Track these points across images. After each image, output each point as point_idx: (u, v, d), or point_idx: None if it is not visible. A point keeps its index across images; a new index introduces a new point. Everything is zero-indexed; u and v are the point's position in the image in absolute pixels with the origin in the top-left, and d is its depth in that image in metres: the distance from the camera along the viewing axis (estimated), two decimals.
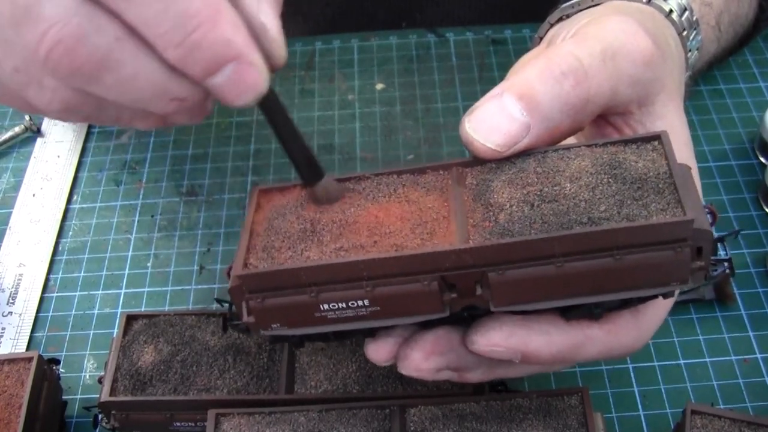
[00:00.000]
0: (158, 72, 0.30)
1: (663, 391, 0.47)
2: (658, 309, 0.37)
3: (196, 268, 0.55)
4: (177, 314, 0.46)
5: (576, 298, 0.33)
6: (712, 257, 0.33)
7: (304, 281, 0.33)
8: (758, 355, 0.48)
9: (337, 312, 0.34)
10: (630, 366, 0.48)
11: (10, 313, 0.53)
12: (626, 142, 0.35)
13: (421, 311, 0.34)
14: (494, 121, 0.34)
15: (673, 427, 0.43)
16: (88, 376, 0.50)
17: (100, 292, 0.54)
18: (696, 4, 0.46)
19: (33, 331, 0.52)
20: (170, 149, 0.62)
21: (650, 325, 0.37)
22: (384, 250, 0.33)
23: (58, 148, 0.63)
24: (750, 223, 0.54)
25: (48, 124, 0.64)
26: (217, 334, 0.45)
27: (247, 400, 0.42)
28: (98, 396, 0.43)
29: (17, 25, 0.29)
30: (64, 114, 0.33)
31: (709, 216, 0.32)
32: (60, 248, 0.57)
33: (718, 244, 0.33)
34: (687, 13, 0.44)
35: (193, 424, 0.44)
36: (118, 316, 0.52)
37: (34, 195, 0.60)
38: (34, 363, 0.44)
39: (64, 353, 0.51)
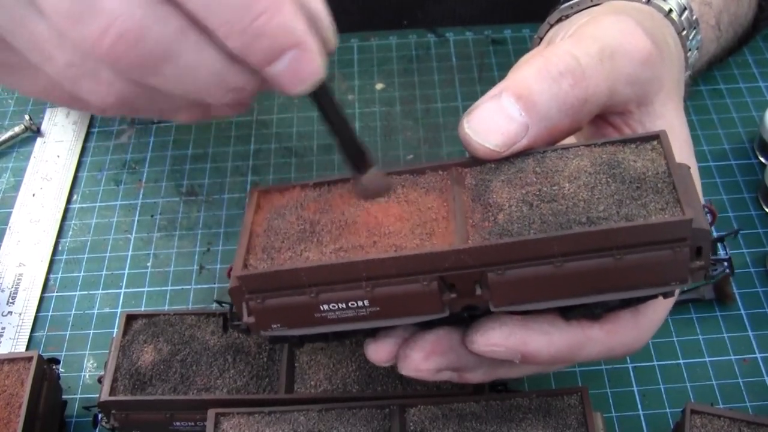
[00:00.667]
0: (218, 61, 0.30)
1: (662, 390, 0.47)
2: (658, 309, 0.37)
3: (195, 267, 0.55)
4: (177, 314, 0.46)
5: (576, 298, 0.33)
6: (712, 257, 0.33)
7: (304, 282, 0.33)
8: (758, 355, 0.48)
9: (337, 312, 0.34)
10: (629, 366, 0.48)
11: (10, 312, 0.53)
12: (625, 142, 0.35)
13: (420, 311, 0.34)
14: (492, 121, 0.34)
15: (672, 426, 0.43)
16: (87, 376, 0.50)
17: (99, 291, 0.54)
18: (695, 4, 0.46)
19: (33, 330, 0.52)
20: (170, 149, 0.62)
21: (650, 325, 0.37)
22: (383, 250, 0.33)
23: (57, 147, 0.63)
24: (750, 222, 0.54)
25: (48, 124, 0.64)
26: (216, 333, 0.45)
27: (247, 400, 0.42)
28: (98, 395, 0.43)
29: (77, 19, 0.28)
30: (116, 108, 0.32)
31: (708, 215, 0.32)
32: (60, 248, 0.57)
33: (718, 244, 0.33)
34: (686, 12, 0.44)
35: (192, 424, 0.44)
36: (118, 315, 0.52)
37: (33, 195, 0.60)
38: (33, 363, 0.44)
39: (63, 353, 0.51)
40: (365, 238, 0.33)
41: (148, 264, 0.55)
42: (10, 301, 0.53)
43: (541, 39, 0.45)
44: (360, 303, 0.33)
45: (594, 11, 0.42)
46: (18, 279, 0.54)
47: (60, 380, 0.47)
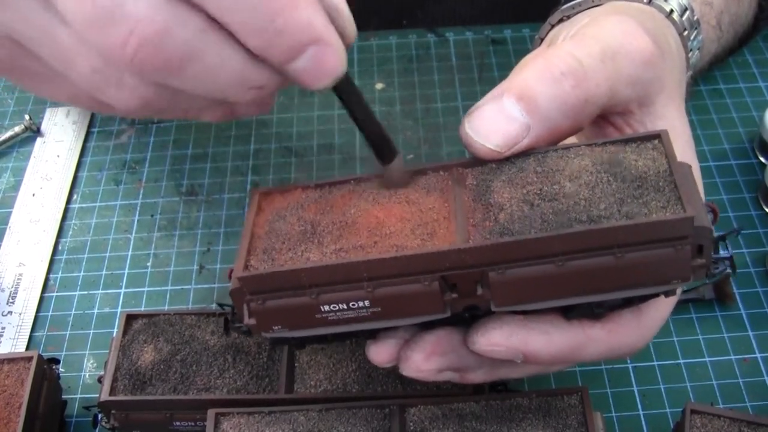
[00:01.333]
0: (240, 61, 0.30)
1: (663, 390, 0.47)
2: (661, 308, 0.37)
3: (195, 267, 0.55)
4: (177, 314, 0.46)
5: (577, 297, 0.33)
6: (714, 256, 0.33)
7: (305, 282, 0.33)
8: (758, 355, 0.48)
9: (338, 313, 0.34)
10: (629, 366, 0.48)
11: (10, 312, 0.53)
12: (626, 141, 0.35)
13: (422, 312, 0.34)
14: (494, 122, 0.34)
15: (672, 426, 0.43)
16: (87, 376, 0.50)
17: (99, 291, 0.54)
18: (697, 4, 0.46)
19: (33, 330, 0.52)
20: (170, 149, 0.62)
21: (652, 325, 0.37)
22: (384, 250, 0.33)
23: (57, 147, 0.63)
24: (750, 222, 0.54)
25: (47, 124, 0.64)
26: (216, 333, 0.45)
27: (247, 400, 0.42)
28: (98, 395, 0.43)
29: (100, 26, 0.29)
30: (140, 111, 0.33)
31: (710, 214, 0.32)
32: (60, 248, 0.57)
33: (720, 243, 0.33)
34: (688, 12, 0.44)
35: (192, 424, 0.44)
36: (118, 315, 0.52)
37: (33, 195, 0.60)
38: (33, 362, 0.44)
39: (63, 353, 0.51)
40: (366, 239, 0.33)
41: (148, 264, 0.55)
42: (10, 300, 0.53)
43: (542, 39, 0.45)
44: (361, 303, 0.33)
45: (595, 12, 0.42)
46: (18, 279, 0.54)
47: (60, 380, 0.47)
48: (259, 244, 0.35)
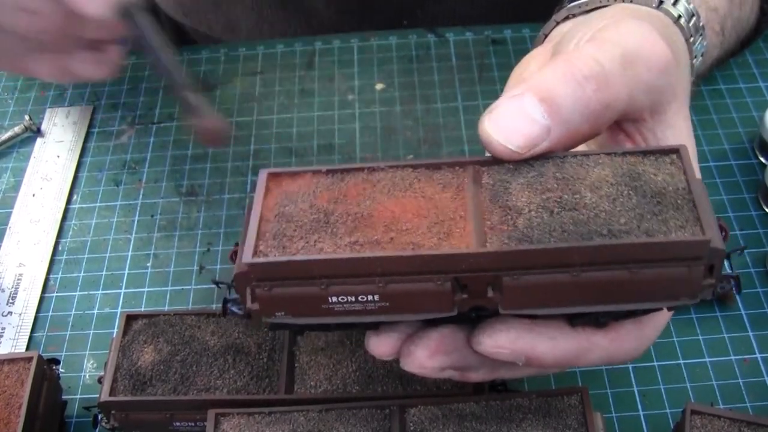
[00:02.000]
0: None
1: (663, 391, 0.47)
2: (659, 318, 0.37)
3: (195, 267, 0.55)
4: (177, 314, 0.46)
5: (586, 307, 0.33)
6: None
7: (316, 273, 0.33)
8: (758, 355, 0.48)
9: (345, 305, 0.33)
10: (630, 366, 0.48)
11: (10, 313, 0.53)
12: (645, 154, 0.35)
13: (430, 309, 0.33)
14: (514, 122, 0.34)
15: (672, 426, 0.43)
16: (87, 376, 0.50)
17: (99, 291, 0.54)
18: (703, 10, 0.46)
19: (33, 330, 0.52)
20: (170, 149, 0.62)
21: (651, 334, 0.37)
22: (400, 247, 0.32)
23: (57, 148, 0.63)
24: (750, 223, 0.54)
25: (48, 124, 0.64)
26: (217, 334, 0.45)
27: (247, 400, 0.42)
28: (98, 396, 0.43)
29: None
30: None
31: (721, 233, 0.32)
32: (60, 248, 0.57)
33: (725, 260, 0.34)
34: (694, 18, 0.44)
35: (192, 424, 0.44)
36: (118, 315, 0.52)
37: (33, 195, 0.60)
38: (33, 363, 0.44)
39: (63, 353, 0.51)
40: (382, 233, 0.33)
41: (148, 264, 0.55)
42: (10, 301, 0.53)
43: (546, 36, 0.45)
44: (370, 297, 0.33)
45: (607, 13, 0.41)
46: (18, 279, 0.54)
47: (60, 380, 0.47)
48: (268, 229, 0.34)
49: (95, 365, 0.50)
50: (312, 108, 0.64)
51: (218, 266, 0.55)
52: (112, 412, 0.43)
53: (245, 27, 0.76)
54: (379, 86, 0.65)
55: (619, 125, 0.39)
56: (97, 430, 0.47)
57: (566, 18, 0.44)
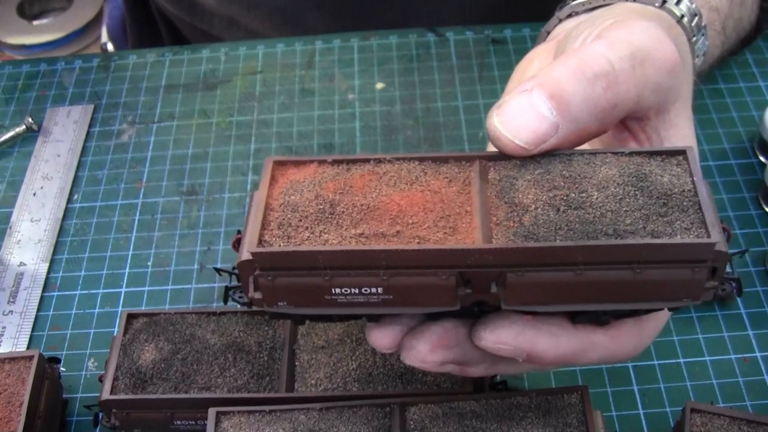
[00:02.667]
0: None
1: (663, 389, 0.47)
2: (660, 317, 0.37)
3: (196, 267, 0.55)
4: (177, 313, 0.46)
5: (589, 305, 0.33)
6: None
7: (321, 265, 0.32)
8: (758, 354, 0.48)
9: (348, 297, 0.33)
10: (630, 365, 0.48)
11: (11, 311, 0.53)
12: (651, 154, 0.35)
13: (433, 303, 0.33)
14: (523, 117, 0.34)
15: (672, 425, 0.44)
16: (88, 375, 0.50)
17: (100, 290, 0.54)
18: (705, 10, 0.46)
19: (34, 329, 0.52)
20: (170, 148, 0.62)
21: (651, 333, 0.37)
22: (406, 241, 0.32)
23: (58, 147, 0.63)
24: (750, 222, 0.54)
25: (48, 124, 0.64)
26: (217, 332, 0.45)
27: (248, 399, 0.42)
28: (99, 394, 0.43)
29: None
30: None
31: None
32: (60, 247, 0.57)
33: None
34: (696, 18, 0.44)
35: (193, 423, 0.44)
36: (119, 314, 0.52)
37: (34, 194, 0.60)
38: (34, 362, 0.44)
39: (64, 352, 0.51)
40: (388, 226, 0.33)
41: (149, 263, 0.55)
42: (11, 300, 0.53)
43: (549, 33, 0.45)
44: (374, 290, 0.33)
45: (613, 12, 0.41)
46: (19, 278, 0.55)
47: (61, 379, 0.47)
48: (273, 218, 0.34)
49: (96, 364, 0.50)
50: (312, 107, 0.64)
51: (219, 266, 0.55)
52: (113, 410, 0.43)
53: (244, 26, 0.76)
54: (379, 85, 0.65)
55: (623, 123, 0.39)
56: (98, 428, 0.47)
57: (569, 15, 0.44)
